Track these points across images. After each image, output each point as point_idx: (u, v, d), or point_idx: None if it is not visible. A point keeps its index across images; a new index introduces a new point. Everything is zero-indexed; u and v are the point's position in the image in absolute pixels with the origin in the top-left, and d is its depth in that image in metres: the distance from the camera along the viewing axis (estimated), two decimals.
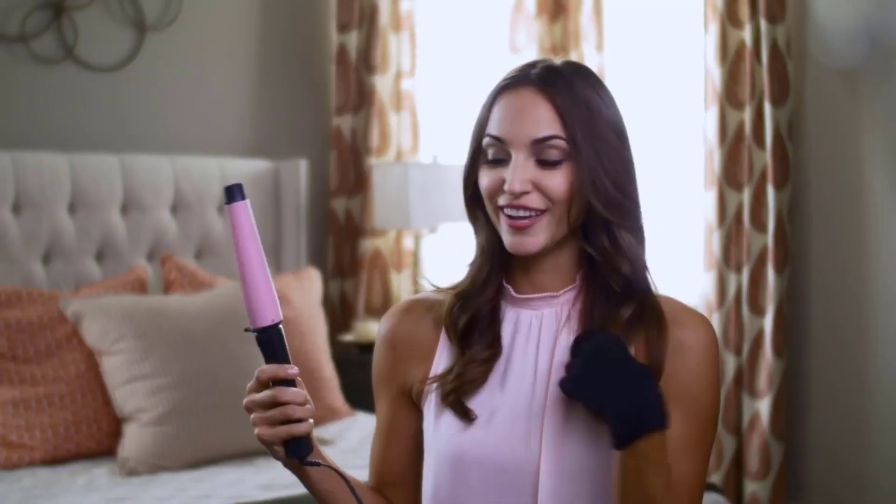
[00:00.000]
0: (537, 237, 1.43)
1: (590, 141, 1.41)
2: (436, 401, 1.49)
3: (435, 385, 1.49)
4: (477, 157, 1.47)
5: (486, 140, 1.45)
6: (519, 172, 1.41)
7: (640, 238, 1.47)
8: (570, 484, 1.41)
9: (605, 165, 1.42)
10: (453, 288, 1.52)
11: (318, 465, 1.41)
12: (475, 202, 1.49)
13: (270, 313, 1.36)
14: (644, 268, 1.46)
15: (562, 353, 1.45)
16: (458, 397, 1.46)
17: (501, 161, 1.44)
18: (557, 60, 1.48)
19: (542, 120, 1.42)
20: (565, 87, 1.43)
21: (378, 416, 1.57)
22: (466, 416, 1.46)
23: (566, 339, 1.45)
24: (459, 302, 1.50)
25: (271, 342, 1.36)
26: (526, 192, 1.41)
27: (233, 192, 1.35)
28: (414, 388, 1.52)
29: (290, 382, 1.37)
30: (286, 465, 1.43)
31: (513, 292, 1.49)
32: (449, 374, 1.48)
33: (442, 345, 1.52)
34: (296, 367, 1.38)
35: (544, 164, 1.42)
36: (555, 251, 1.46)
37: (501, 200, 1.43)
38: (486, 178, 1.45)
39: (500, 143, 1.43)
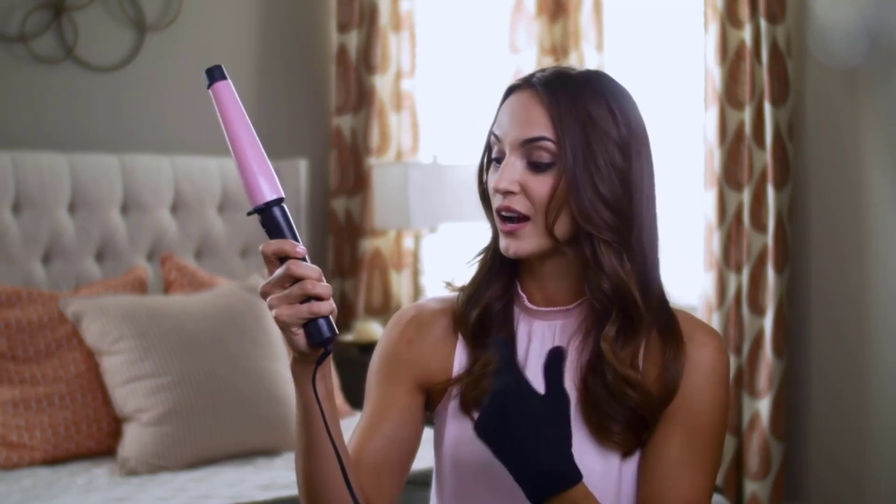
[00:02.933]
0: (524, 242, 1.43)
1: (582, 150, 1.41)
2: (452, 404, 1.49)
3: (455, 390, 1.48)
4: (487, 156, 1.50)
5: (490, 138, 1.48)
6: (507, 171, 1.43)
7: (634, 257, 1.43)
8: None
9: (594, 178, 1.41)
10: (462, 288, 1.53)
11: (328, 349, 1.29)
12: (486, 199, 1.50)
13: (266, 191, 1.29)
14: (631, 288, 1.42)
15: (572, 365, 1.46)
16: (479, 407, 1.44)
17: (500, 161, 1.46)
18: (578, 68, 1.48)
19: (534, 121, 1.42)
20: (567, 93, 1.42)
21: (370, 398, 1.52)
22: None
23: (574, 351, 1.46)
24: (467, 298, 1.50)
25: (271, 219, 1.29)
26: (512, 193, 1.42)
27: (213, 73, 1.31)
28: (433, 386, 1.50)
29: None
30: (300, 360, 1.32)
31: (527, 302, 1.49)
32: (468, 376, 1.47)
33: (460, 347, 1.51)
34: (303, 247, 1.29)
35: (534, 166, 1.42)
36: (556, 258, 1.46)
37: (495, 202, 1.45)
38: (490, 178, 1.48)
39: (498, 143, 1.46)
